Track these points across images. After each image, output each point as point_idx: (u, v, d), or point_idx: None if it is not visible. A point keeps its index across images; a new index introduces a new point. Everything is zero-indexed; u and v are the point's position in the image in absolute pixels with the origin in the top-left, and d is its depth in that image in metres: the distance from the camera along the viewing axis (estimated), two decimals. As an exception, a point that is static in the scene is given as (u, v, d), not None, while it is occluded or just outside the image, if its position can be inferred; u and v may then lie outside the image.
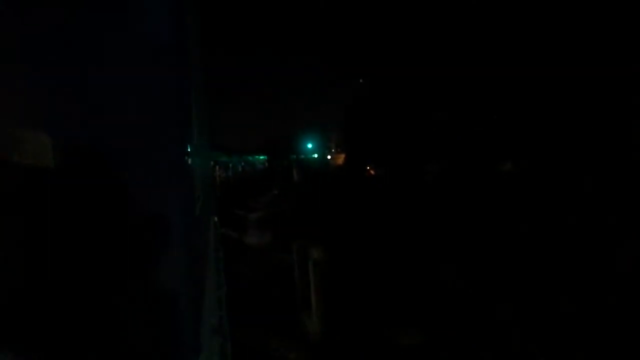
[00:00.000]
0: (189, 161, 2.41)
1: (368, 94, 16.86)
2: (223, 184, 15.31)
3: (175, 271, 2.15)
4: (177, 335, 2.11)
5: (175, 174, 2.09)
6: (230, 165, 17.82)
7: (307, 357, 3.73)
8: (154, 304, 2.00)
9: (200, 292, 2.59)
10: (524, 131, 9.29)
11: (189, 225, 2.29)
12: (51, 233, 1.47)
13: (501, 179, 9.36)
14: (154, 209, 2.01)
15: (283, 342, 3.91)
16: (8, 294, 1.37)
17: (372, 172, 17.39)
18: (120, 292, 1.80)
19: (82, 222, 1.60)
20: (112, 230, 1.69)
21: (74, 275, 1.58)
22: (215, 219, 3.94)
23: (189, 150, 2.46)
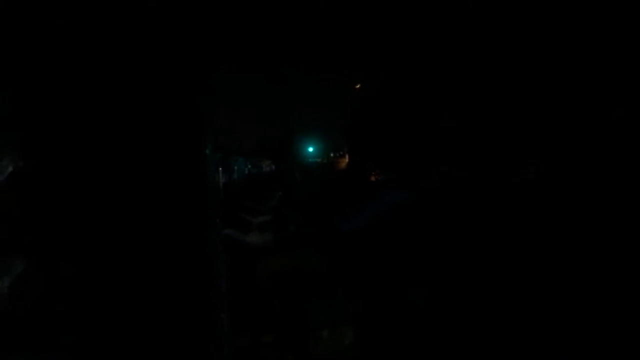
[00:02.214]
0: (207, 164, 2.44)
1: (374, 97, 16.79)
2: (227, 186, 15.34)
3: (186, 271, 2.18)
4: (182, 335, 2.14)
5: (192, 177, 2.13)
6: (236, 167, 17.82)
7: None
8: (159, 304, 2.02)
9: (205, 294, 2.62)
10: (548, 132, 8.87)
11: (203, 227, 2.32)
12: (65, 234, 1.49)
13: (522, 188, 8.95)
14: (170, 212, 2.04)
15: (282, 344, 3.92)
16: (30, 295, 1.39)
17: (375, 177, 17.28)
18: (126, 292, 1.83)
19: (99, 223, 1.62)
20: (127, 231, 1.71)
21: (84, 274, 1.59)
22: (218, 220, 3.96)
23: (207, 152, 2.48)
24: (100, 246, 1.52)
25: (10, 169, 1.58)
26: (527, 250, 6.13)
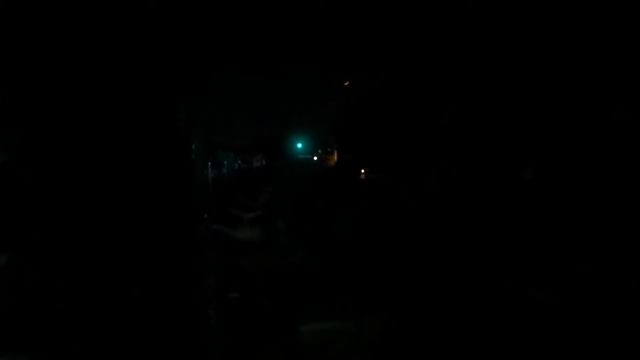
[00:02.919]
0: (189, 161, 2.41)
1: (368, 95, 16.73)
2: (217, 182, 15.21)
3: (172, 267, 2.15)
4: (170, 331, 2.10)
5: (173, 174, 2.10)
6: (226, 162, 17.67)
7: (293, 351, 3.70)
8: (146, 301, 1.98)
9: (192, 290, 2.58)
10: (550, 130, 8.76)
11: (189, 221, 2.29)
12: (55, 232, 1.45)
13: (521, 188, 8.79)
14: (151, 207, 2.02)
15: (271, 341, 3.89)
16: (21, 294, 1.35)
17: (364, 175, 17.24)
18: (113, 288, 1.79)
19: (86, 220, 1.59)
20: (113, 227, 1.68)
21: (78, 271, 1.55)
22: (206, 216, 3.91)
23: (191, 148, 2.44)
24: (85, 242, 1.50)
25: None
26: (526, 249, 6.13)
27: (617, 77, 7.63)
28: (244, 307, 4.56)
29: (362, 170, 17.05)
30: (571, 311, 4.28)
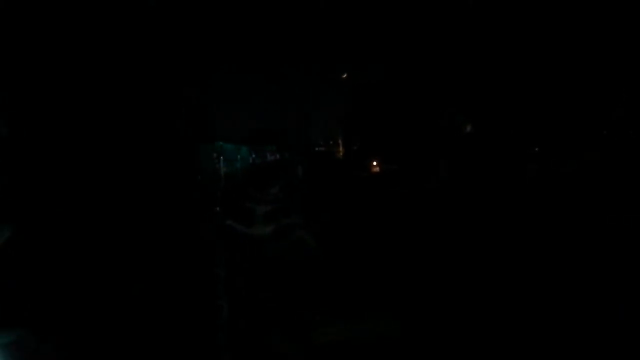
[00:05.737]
0: (195, 156, 2.47)
1: (378, 88, 16.58)
2: (230, 176, 15.33)
3: (183, 258, 2.23)
4: (181, 321, 2.18)
5: (178, 169, 2.18)
6: (239, 157, 17.81)
7: (304, 349, 3.74)
8: (153, 296, 2.05)
9: (200, 283, 2.66)
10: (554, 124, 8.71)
11: (198, 214, 2.37)
12: (57, 227, 1.53)
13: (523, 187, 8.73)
14: (158, 203, 2.11)
15: (280, 332, 3.93)
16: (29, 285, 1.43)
17: (376, 168, 17.15)
18: (122, 284, 1.86)
19: (89, 216, 1.66)
20: (118, 223, 1.75)
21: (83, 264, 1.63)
22: (218, 209, 3.97)
23: (195, 144, 2.51)
24: (92, 234, 1.55)
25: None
26: (527, 249, 6.05)
27: (617, 77, 7.60)
28: (253, 304, 4.59)
29: (375, 163, 16.89)
30: (570, 311, 4.23)
